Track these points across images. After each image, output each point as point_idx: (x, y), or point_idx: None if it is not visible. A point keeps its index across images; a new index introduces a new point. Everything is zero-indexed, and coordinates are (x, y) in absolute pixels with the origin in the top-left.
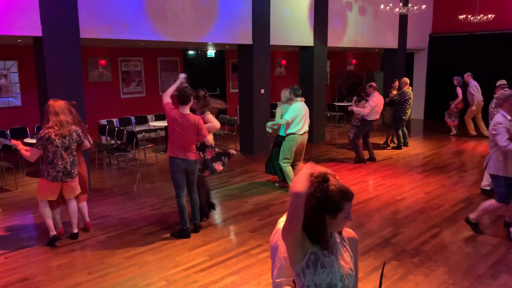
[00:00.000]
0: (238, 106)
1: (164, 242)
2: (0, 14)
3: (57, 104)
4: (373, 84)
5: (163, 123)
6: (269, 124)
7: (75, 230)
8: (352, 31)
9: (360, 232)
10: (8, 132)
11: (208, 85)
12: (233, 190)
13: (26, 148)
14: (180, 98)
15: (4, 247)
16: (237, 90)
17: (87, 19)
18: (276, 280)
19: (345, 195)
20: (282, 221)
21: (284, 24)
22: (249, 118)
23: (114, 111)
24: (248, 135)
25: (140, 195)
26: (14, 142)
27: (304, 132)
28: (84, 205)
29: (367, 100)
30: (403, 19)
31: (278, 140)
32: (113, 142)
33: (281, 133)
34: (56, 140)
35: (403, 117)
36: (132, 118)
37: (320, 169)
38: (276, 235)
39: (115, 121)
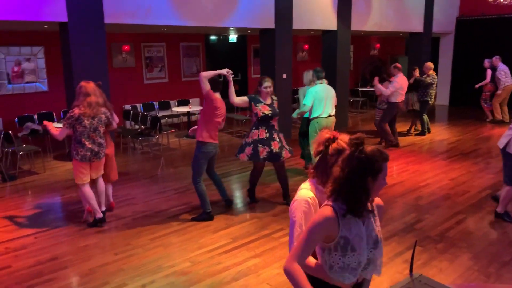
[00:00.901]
0: None
1: (187, 225)
2: (27, 1)
3: (89, 86)
4: (398, 64)
5: (185, 109)
6: (294, 115)
7: (103, 208)
8: (377, 15)
9: (383, 218)
10: (35, 116)
11: (231, 70)
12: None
13: (55, 128)
14: (217, 84)
15: (34, 227)
16: (259, 75)
17: (111, 4)
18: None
19: (383, 154)
20: (303, 187)
21: (307, 7)
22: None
23: (138, 96)
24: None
25: (164, 179)
26: (45, 122)
27: (329, 115)
28: (109, 185)
29: (391, 81)
30: (429, 2)
31: (302, 129)
32: (137, 127)
33: (305, 115)
34: (85, 121)
35: (429, 101)
36: (155, 103)
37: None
38: (295, 203)
39: (138, 106)
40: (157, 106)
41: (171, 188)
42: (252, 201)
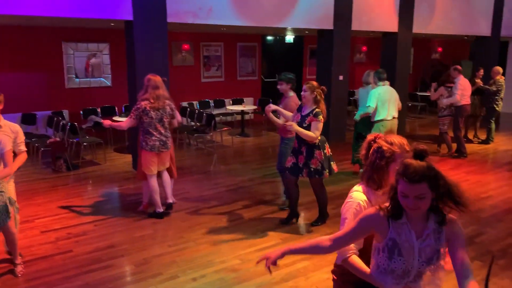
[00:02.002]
0: None
1: (238, 222)
2: (96, 0)
3: (157, 79)
4: (458, 66)
5: (239, 107)
6: (356, 117)
7: (170, 200)
8: (441, 17)
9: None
10: (98, 110)
11: (285, 71)
12: (306, 178)
13: (117, 121)
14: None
15: (93, 215)
16: (314, 76)
17: (173, 4)
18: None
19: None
20: (355, 189)
21: (367, 9)
22: (326, 104)
23: (195, 94)
24: (324, 122)
25: (216, 175)
26: (106, 123)
27: (393, 118)
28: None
29: (448, 87)
30: (498, 4)
31: (359, 130)
32: (192, 123)
33: (357, 117)
34: (151, 112)
35: (496, 108)
36: (211, 101)
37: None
38: (348, 204)
39: (195, 103)
40: (213, 104)
41: (223, 185)
42: (284, 222)
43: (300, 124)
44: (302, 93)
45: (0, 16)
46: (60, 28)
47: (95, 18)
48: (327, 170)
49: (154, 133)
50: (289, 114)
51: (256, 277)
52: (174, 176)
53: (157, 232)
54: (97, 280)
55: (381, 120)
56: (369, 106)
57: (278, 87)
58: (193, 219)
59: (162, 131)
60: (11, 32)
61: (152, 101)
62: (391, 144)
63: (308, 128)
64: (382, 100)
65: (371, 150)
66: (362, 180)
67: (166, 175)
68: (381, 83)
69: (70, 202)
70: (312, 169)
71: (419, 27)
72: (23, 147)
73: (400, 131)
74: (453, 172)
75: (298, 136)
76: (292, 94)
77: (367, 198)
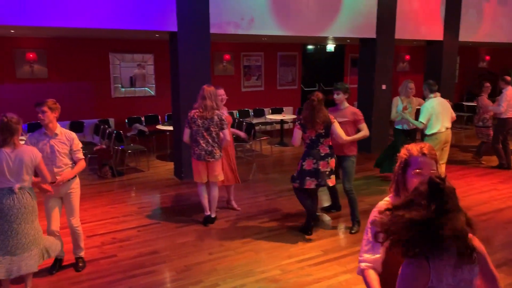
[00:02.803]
0: (355, 102)
1: (278, 232)
2: (141, 11)
3: (208, 89)
4: (507, 77)
5: (278, 117)
6: (406, 116)
7: (213, 214)
8: (489, 24)
9: (490, 245)
10: (142, 118)
11: (326, 80)
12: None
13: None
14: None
15: (137, 221)
16: (355, 86)
17: (216, 15)
18: (362, 257)
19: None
20: (383, 201)
21: (411, 17)
22: (367, 114)
23: (235, 103)
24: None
25: (255, 184)
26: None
27: (446, 129)
28: (231, 186)
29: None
30: None
31: (396, 143)
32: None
33: (398, 126)
34: (198, 120)
35: None
36: (251, 110)
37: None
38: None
39: (235, 112)
40: (252, 113)
41: (262, 194)
42: (302, 231)
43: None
44: (336, 96)
45: (51, 29)
46: (108, 39)
47: (142, 30)
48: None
49: (201, 141)
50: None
51: None
52: (234, 182)
53: (198, 239)
54: (140, 285)
55: (435, 133)
56: (421, 121)
57: (335, 96)
58: (233, 228)
59: (209, 140)
60: (61, 43)
61: (200, 110)
62: (409, 150)
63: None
64: (435, 113)
65: (399, 161)
66: (390, 189)
67: (213, 190)
68: (432, 95)
69: (115, 208)
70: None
71: (466, 35)
72: (80, 155)
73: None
74: (502, 186)
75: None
76: (347, 105)
77: None
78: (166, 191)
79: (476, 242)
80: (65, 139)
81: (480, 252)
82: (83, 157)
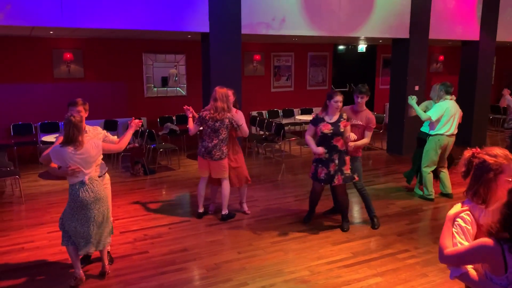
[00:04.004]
0: (387, 103)
1: (307, 233)
2: (174, 13)
3: (219, 91)
4: None
5: (308, 117)
6: (412, 102)
7: (224, 212)
8: None
9: None
10: (174, 118)
11: (356, 81)
12: (378, 191)
13: (192, 123)
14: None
15: (168, 218)
16: (386, 86)
17: (248, 16)
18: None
19: None
20: (459, 209)
21: (446, 16)
22: (399, 116)
23: (264, 103)
24: (397, 134)
25: (284, 185)
26: (187, 111)
27: (452, 134)
28: (242, 188)
29: None
30: None
31: (419, 137)
32: (262, 132)
33: (424, 129)
34: (209, 121)
35: None
36: (280, 111)
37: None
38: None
39: (264, 113)
40: (282, 113)
41: (291, 195)
42: (305, 221)
43: (335, 131)
44: (338, 103)
45: (88, 30)
46: (141, 40)
47: (174, 31)
48: (356, 174)
49: (206, 140)
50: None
51: None
52: (239, 185)
53: (227, 238)
54: (171, 282)
55: (441, 134)
56: (428, 115)
57: (359, 100)
58: (262, 227)
59: (214, 141)
60: (97, 44)
61: (212, 111)
62: (495, 156)
63: (343, 132)
64: (448, 115)
65: (474, 165)
66: (467, 196)
67: (225, 187)
68: (448, 96)
69: (147, 205)
70: (347, 175)
71: (503, 34)
72: (114, 137)
73: (481, 144)
74: None
75: (328, 145)
76: (365, 108)
77: (472, 213)
78: (196, 190)
79: None
80: (97, 133)
81: None
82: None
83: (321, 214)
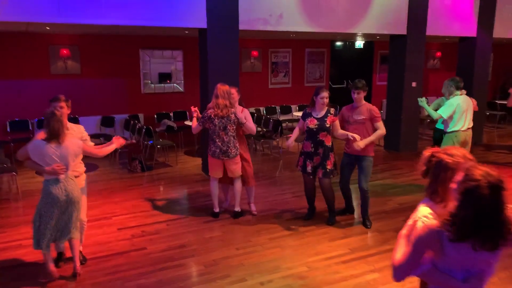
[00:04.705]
0: (384, 100)
1: (305, 229)
2: (171, 8)
3: (221, 88)
4: None
5: None
6: (423, 104)
7: (236, 209)
8: None
9: None
10: (171, 114)
11: (354, 77)
12: (376, 187)
13: (195, 122)
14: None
15: (166, 215)
16: (384, 83)
17: (245, 12)
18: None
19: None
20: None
21: (443, 13)
22: (396, 112)
23: (262, 100)
24: (394, 131)
25: (282, 181)
26: (194, 112)
27: (468, 128)
28: (250, 189)
29: None
30: None
31: (436, 136)
32: (259, 129)
33: (439, 125)
34: (215, 120)
35: None
36: (277, 107)
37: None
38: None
39: (262, 109)
40: (279, 110)
41: (289, 191)
42: (306, 218)
43: (321, 126)
44: (324, 99)
45: (84, 26)
46: (138, 36)
47: (172, 27)
48: (337, 171)
49: (217, 140)
50: (340, 130)
51: (324, 286)
52: (249, 184)
53: (225, 234)
54: (169, 278)
55: (456, 131)
56: (439, 114)
57: (356, 96)
58: (260, 224)
59: (225, 139)
60: (94, 40)
61: (216, 109)
62: (452, 155)
63: (329, 128)
64: (461, 111)
65: (432, 164)
66: (426, 195)
67: (237, 184)
68: (458, 92)
69: (144, 202)
70: (328, 170)
71: (500, 31)
72: (90, 143)
73: (478, 141)
74: None
75: (315, 140)
76: (364, 102)
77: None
78: (194, 186)
79: None
80: (77, 132)
81: None
82: (93, 143)
83: (321, 211)
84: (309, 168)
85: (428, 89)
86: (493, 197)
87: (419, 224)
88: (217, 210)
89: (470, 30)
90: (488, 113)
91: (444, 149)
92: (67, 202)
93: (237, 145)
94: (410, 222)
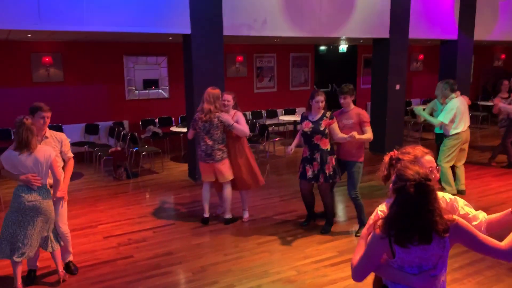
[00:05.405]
0: (368, 102)
1: (293, 233)
2: (154, 14)
3: (208, 92)
4: None
5: (292, 118)
6: (420, 113)
7: (227, 216)
8: (505, 22)
9: None
10: (156, 120)
11: (339, 81)
12: (362, 189)
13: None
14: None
15: (152, 222)
16: (368, 86)
17: (229, 17)
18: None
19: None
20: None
21: (425, 16)
22: (381, 115)
23: (248, 105)
24: (379, 133)
25: (269, 185)
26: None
27: (468, 128)
28: (244, 193)
29: (504, 98)
30: None
31: (438, 142)
32: None
33: (437, 130)
34: (199, 123)
35: None
36: (263, 111)
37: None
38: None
39: (248, 114)
40: (265, 114)
41: (276, 195)
42: (304, 224)
43: (315, 130)
44: (319, 102)
45: (67, 33)
46: (122, 42)
47: (155, 33)
48: (339, 175)
49: (201, 143)
50: (340, 134)
51: None
52: (249, 187)
53: (213, 240)
54: (156, 286)
55: (459, 132)
56: (440, 120)
57: (343, 101)
58: (247, 229)
59: (209, 143)
60: (76, 47)
61: (200, 113)
62: (409, 153)
63: (325, 131)
64: (460, 113)
65: (394, 166)
66: (391, 195)
67: (226, 190)
68: (454, 94)
69: (130, 209)
70: (327, 175)
71: (481, 34)
72: (70, 154)
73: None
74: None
75: (310, 144)
76: (353, 106)
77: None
78: (180, 193)
79: (461, 223)
80: (56, 141)
81: (463, 230)
82: (72, 155)
83: (306, 214)
84: (309, 174)
85: (411, 92)
86: (418, 194)
87: (373, 215)
88: (206, 215)
89: (451, 33)
90: (470, 114)
91: (401, 149)
92: (33, 210)
93: (224, 149)
94: (370, 221)
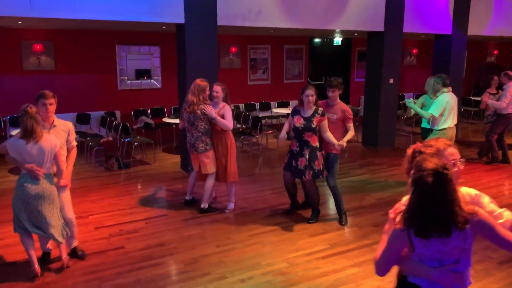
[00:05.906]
0: (362, 96)
1: (285, 225)
2: (148, 3)
3: (194, 84)
4: (509, 72)
5: (285, 110)
6: (411, 105)
7: (202, 205)
8: (499, 18)
9: None
10: (149, 111)
11: (332, 74)
12: (354, 182)
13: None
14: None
15: (144, 213)
16: (361, 79)
17: (224, 7)
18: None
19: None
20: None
21: (419, 10)
22: (374, 108)
23: (241, 97)
24: (372, 127)
25: (261, 178)
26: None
27: (454, 125)
28: (230, 185)
29: (492, 94)
30: None
31: (424, 136)
32: (238, 126)
33: (424, 124)
34: (185, 114)
35: None
36: (257, 104)
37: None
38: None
39: (241, 106)
40: (258, 106)
41: (269, 188)
42: (287, 213)
43: (306, 126)
44: (309, 97)
45: (58, 20)
46: (114, 31)
47: (149, 22)
48: (325, 170)
49: (187, 134)
50: (328, 132)
51: (304, 282)
52: (227, 180)
53: (205, 232)
54: (148, 277)
55: (445, 128)
56: (430, 113)
57: (331, 94)
58: (239, 221)
59: (194, 134)
60: (68, 35)
61: (185, 104)
62: (431, 146)
63: (316, 128)
64: (449, 108)
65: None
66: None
67: (208, 182)
68: (446, 89)
69: (122, 200)
70: (316, 171)
71: (475, 29)
72: (74, 142)
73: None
74: (509, 181)
75: (300, 140)
76: (338, 101)
77: None
78: (172, 184)
79: (481, 215)
80: (64, 129)
81: (483, 222)
82: (76, 143)
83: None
84: (293, 168)
85: (405, 86)
86: (435, 184)
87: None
88: (188, 198)
89: (445, 27)
90: (462, 109)
91: (424, 142)
92: (37, 198)
93: (208, 141)
94: (391, 215)
